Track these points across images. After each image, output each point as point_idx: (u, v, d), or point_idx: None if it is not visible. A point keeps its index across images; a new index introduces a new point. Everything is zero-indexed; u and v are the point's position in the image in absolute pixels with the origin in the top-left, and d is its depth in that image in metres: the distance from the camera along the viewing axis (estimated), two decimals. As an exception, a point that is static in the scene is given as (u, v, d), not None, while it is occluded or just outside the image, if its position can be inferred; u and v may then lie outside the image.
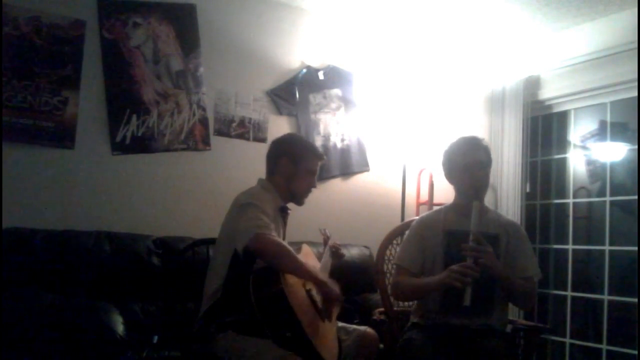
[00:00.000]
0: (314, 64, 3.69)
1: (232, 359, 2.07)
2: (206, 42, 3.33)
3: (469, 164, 2.37)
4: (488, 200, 3.93)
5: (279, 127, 3.51)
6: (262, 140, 3.44)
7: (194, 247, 2.67)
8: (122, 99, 3.09)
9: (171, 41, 3.25)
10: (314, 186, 2.49)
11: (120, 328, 2.22)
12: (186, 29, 3.29)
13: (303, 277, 2.19)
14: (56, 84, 2.93)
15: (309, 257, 2.54)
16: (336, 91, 3.76)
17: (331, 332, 2.26)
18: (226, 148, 3.36)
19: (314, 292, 2.21)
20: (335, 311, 2.34)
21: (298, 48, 3.65)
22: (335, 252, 2.65)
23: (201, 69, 3.31)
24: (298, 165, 2.42)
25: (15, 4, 2.86)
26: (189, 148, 3.25)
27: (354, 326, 2.43)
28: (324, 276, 2.30)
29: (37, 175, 2.86)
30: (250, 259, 2.14)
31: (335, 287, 2.27)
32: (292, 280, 2.14)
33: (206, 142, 3.30)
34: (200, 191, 3.23)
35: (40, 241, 2.61)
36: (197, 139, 3.27)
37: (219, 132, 3.35)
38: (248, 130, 3.43)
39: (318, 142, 3.66)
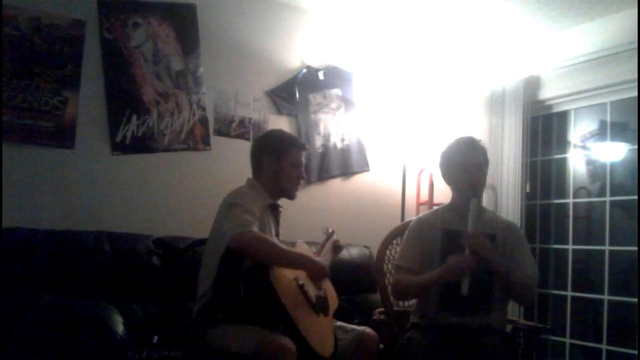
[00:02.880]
0: (314, 64, 3.69)
1: (224, 347, 2.09)
2: (206, 42, 3.33)
3: (467, 165, 2.40)
4: (488, 200, 3.94)
5: (279, 127, 3.46)
6: (262, 140, 3.44)
7: (194, 247, 2.67)
8: (122, 99, 3.09)
9: (171, 41, 3.25)
10: (303, 177, 2.49)
11: (120, 328, 2.21)
12: (186, 29, 3.29)
13: (290, 264, 2.20)
14: (56, 84, 2.93)
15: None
16: (336, 91, 3.75)
17: (327, 327, 2.26)
18: (226, 148, 3.36)
19: (307, 286, 2.22)
20: (332, 307, 2.36)
21: (298, 48, 3.65)
22: (335, 246, 2.65)
23: (201, 69, 3.31)
24: (280, 162, 2.40)
25: (15, 4, 2.87)
26: (189, 148, 3.25)
27: (353, 326, 2.41)
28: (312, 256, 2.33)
29: (37, 175, 2.86)
30: (237, 258, 2.16)
31: (323, 263, 2.31)
32: (282, 274, 2.15)
33: (206, 142, 3.31)
34: (200, 191, 3.23)
35: (41, 241, 2.61)
36: (197, 139, 3.28)
37: (219, 132, 3.36)
38: (248, 130, 3.43)
39: (318, 142, 3.67)
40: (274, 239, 2.34)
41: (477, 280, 2.23)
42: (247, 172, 2.76)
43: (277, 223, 2.48)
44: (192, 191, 3.22)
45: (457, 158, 2.43)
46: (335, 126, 3.74)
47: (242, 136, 3.41)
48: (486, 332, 2.26)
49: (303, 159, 2.51)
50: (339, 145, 3.74)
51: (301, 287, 2.18)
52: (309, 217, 3.25)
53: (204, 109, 3.30)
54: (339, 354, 2.24)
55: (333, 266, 2.56)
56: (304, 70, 3.64)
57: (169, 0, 3.25)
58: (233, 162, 3.30)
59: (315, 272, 2.28)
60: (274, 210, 2.47)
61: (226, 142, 3.37)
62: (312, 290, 2.26)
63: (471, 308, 2.27)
